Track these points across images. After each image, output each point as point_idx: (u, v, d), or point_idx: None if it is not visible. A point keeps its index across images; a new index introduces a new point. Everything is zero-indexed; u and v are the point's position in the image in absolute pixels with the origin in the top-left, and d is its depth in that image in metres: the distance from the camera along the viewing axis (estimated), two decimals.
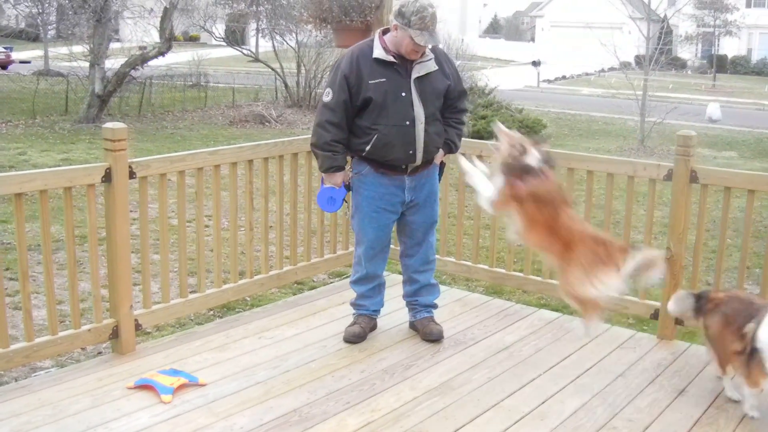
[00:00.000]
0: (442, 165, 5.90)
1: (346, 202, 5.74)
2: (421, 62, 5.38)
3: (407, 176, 5.55)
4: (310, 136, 5.65)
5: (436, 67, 5.46)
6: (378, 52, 5.35)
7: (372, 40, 5.47)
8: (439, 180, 5.88)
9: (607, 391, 5.06)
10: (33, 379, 5.24)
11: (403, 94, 5.36)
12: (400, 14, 5.21)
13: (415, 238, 5.79)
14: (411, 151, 5.43)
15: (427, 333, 5.78)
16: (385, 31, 5.42)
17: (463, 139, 5.92)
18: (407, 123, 5.37)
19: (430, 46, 5.33)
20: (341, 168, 5.57)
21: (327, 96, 5.47)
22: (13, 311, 6.33)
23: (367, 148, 5.45)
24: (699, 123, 28.16)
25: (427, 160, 5.59)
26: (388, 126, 5.37)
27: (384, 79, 5.33)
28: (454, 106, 5.67)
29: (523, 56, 60.98)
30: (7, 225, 7.38)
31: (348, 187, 5.67)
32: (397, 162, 5.48)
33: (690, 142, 5.66)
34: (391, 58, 5.33)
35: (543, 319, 6.30)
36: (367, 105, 5.37)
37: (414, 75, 5.37)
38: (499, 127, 4.86)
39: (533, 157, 4.69)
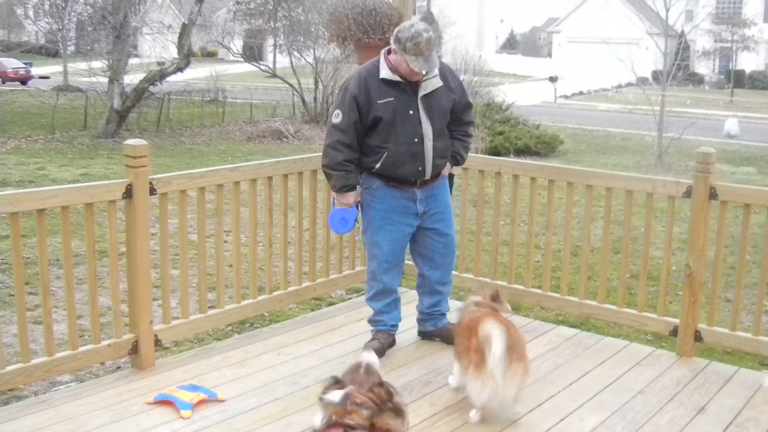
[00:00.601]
0: (451, 177, 5.98)
1: (358, 222, 5.76)
2: (426, 80, 5.43)
3: (417, 189, 5.59)
4: None
5: (441, 83, 5.51)
6: (384, 72, 5.41)
7: (378, 60, 5.51)
8: (450, 192, 5.92)
9: (626, 409, 5.03)
10: (53, 394, 5.26)
11: (411, 112, 5.41)
12: (397, 39, 5.27)
13: (436, 250, 5.79)
14: (420, 168, 5.48)
15: (451, 337, 5.77)
16: (390, 51, 5.46)
17: (483, 156, 5.95)
18: (416, 140, 5.42)
19: (425, 72, 5.37)
20: (354, 187, 5.60)
21: (336, 117, 5.49)
22: (34, 325, 6.36)
23: (377, 165, 5.50)
24: (717, 138, 28.10)
25: (437, 174, 5.65)
26: (397, 144, 5.42)
27: (392, 99, 5.39)
28: (459, 119, 5.72)
29: (540, 72, 61.01)
30: (27, 240, 7.42)
31: (359, 207, 5.71)
32: (406, 178, 5.53)
33: (709, 159, 5.65)
34: (397, 78, 5.38)
35: (561, 335, 6.29)
36: (376, 124, 5.42)
37: (421, 93, 5.42)
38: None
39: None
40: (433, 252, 5.81)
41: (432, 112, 5.46)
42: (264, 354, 5.74)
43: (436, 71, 5.46)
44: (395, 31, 5.35)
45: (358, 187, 5.64)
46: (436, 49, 5.35)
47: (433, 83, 5.45)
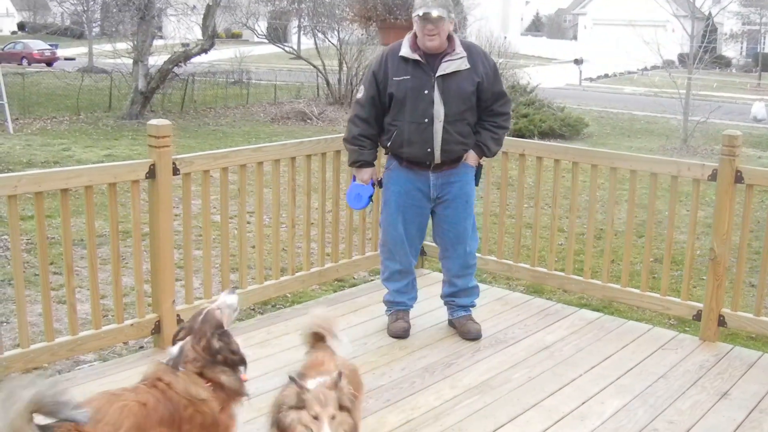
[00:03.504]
0: (479, 168, 5.81)
1: (372, 201, 5.77)
2: (449, 60, 5.39)
3: (431, 172, 5.56)
4: None
5: (468, 66, 5.44)
6: (405, 51, 5.43)
7: (404, 39, 5.54)
8: (476, 183, 5.81)
9: (648, 393, 5.02)
10: (76, 372, 5.31)
11: (426, 92, 5.39)
12: (412, 8, 5.38)
13: (447, 240, 5.77)
14: (429, 149, 5.44)
15: (465, 332, 5.77)
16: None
17: (507, 138, 5.88)
18: (425, 120, 5.40)
19: (452, 40, 5.38)
20: (368, 163, 5.63)
21: (359, 93, 5.65)
22: (58, 305, 6.39)
23: (388, 143, 5.56)
24: (743, 122, 27.85)
25: (451, 159, 5.56)
26: (405, 122, 5.44)
27: (408, 77, 5.40)
28: (490, 109, 5.61)
29: (565, 54, 60.65)
30: (52, 220, 7.46)
31: (377, 185, 5.73)
32: (415, 158, 5.51)
33: (735, 142, 5.60)
34: (416, 57, 5.38)
35: (584, 318, 6.27)
36: (390, 101, 5.46)
37: (439, 72, 5.38)
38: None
39: None
40: (444, 241, 5.80)
41: (448, 94, 5.40)
42: (286, 335, 5.75)
43: (462, 53, 5.42)
44: None
45: (375, 163, 5.68)
46: (444, 6, 5.30)
47: (456, 64, 5.40)
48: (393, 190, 5.66)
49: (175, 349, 3.66)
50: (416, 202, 5.63)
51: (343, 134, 5.83)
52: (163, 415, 3.38)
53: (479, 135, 5.63)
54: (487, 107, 5.60)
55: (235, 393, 3.71)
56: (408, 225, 5.69)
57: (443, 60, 5.38)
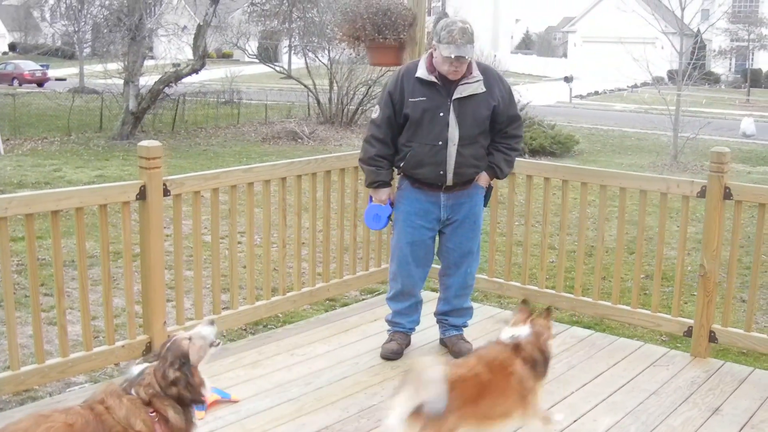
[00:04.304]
0: (489, 189, 5.80)
1: (391, 220, 5.75)
2: (465, 83, 5.34)
3: (443, 193, 5.54)
4: (341, 153, 5.70)
5: (484, 90, 5.40)
6: (421, 72, 5.37)
7: (419, 60, 5.52)
8: (485, 205, 5.81)
9: (640, 410, 5.02)
10: (67, 395, 5.29)
11: (441, 114, 5.34)
12: (435, 33, 5.27)
13: (451, 259, 5.75)
14: (441, 172, 5.42)
15: (456, 351, 5.76)
16: (432, 54, 5.42)
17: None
18: (440, 143, 5.36)
19: (469, 63, 5.29)
20: (385, 183, 5.60)
21: (375, 113, 5.57)
22: (48, 326, 6.39)
23: (402, 164, 5.51)
24: (733, 138, 27.97)
25: (463, 181, 5.54)
26: (421, 144, 5.39)
27: (424, 98, 5.35)
28: (504, 132, 5.58)
29: (556, 72, 60.93)
30: (43, 241, 7.45)
31: (393, 205, 5.70)
32: (427, 180, 5.49)
33: (723, 158, 5.63)
34: (432, 78, 5.33)
35: (575, 336, 6.27)
36: (406, 122, 5.42)
37: (455, 96, 5.34)
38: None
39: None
40: (448, 260, 5.77)
41: (464, 117, 5.37)
42: (277, 355, 5.75)
43: (479, 76, 5.39)
44: (435, 27, 5.35)
45: (391, 183, 5.66)
46: (472, 44, 5.23)
47: (472, 87, 5.36)
48: (403, 210, 5.63)
49: (135, 370, 3.60)
50: (426, 223, 5.60)
51: (336, 154, 5.83)
52: None
53: (492, 156, 5.61)
54: (501, 130, 5.57)
55: (180, 431, 3.58)
56: (415, 247, 5.65)
57: (460, 83, 5.33)
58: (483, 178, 5.64)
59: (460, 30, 5.16)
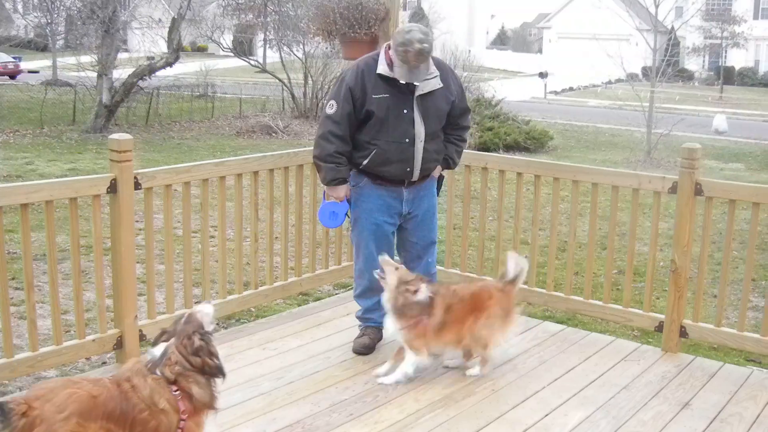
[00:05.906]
0: (441, 179, 5.88)
1: (348, 217, 5.73)
2: (425, 80, 5.34)
3: (405, 189, 5.55)
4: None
5: (441, 85, 5.44)
6: (382, 68, 5.35)
7: (378, 54, 5.46)
8: (438, 194, 5.86)
9: (611, 404, 5.05)
10: None
11: (405, 111, 5.35)
12: (393, 39, 5.27)
13: (413, 253, 5.78)
14: (408, 169, 5.43)
15: None
16: (390, 46, 5.40)
17: (469, 152, 5.90)
18: (407, 140, 5.37)
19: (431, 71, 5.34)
20: (345, 180, 5.54)
21: (331, 108, 5.42)
22: (18, 321, 6.33)
23: (365, 162, 5.46)
24: (706, 135, 28.12)
25: (425, 175, 5.59)
26: (387, 142, 5.38)
27: (387, 95, 5.33)
28: (456, 123, 5.66)
29: (531, 68, 60.98)
30: (13, 234, 7.39)
31: (350, 201, 5.67)
32: (393, 177, 5.48)
33: (695, 154, 5.66)
34: (394, 75, 5.32)
35: (547, 331, 6.29)
36: (368, 119, 5.36)
37: (417, 93, 5.35)
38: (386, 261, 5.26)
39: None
40: (411, 254, 5.79)
41: (427, 113, 5.40)
42: (249, 349, 5.73)
43: (436, 72, 5.40)
44: (396, 29, 5.33)
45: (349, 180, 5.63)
46: (426, 63, 5.25)
47: (431, 84, 5.38)
48: (364, 207, 5.61)
49: (158, 351, 3.74)
50: (388, 218, 5.61)
51: (308, 148, 5.77)
52: (113, 410, 3.48)
53: (446, 149, 5.67)
54: (454, 122, 5.63)
55: (204, 406, 3.78)
56: (380, 242, 5.62)
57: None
58: (436, 170, 5.72)
59: (416, 53, 5.13)
